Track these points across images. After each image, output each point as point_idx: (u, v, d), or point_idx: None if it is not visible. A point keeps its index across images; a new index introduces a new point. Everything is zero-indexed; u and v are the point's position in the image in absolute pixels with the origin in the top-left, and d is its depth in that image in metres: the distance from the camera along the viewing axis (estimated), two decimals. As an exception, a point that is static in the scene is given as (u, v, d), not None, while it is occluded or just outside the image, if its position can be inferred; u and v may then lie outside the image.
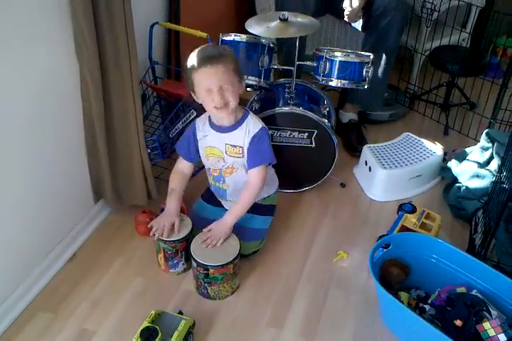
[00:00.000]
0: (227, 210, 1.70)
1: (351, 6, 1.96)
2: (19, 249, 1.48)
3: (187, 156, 1.68)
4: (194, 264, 1.50)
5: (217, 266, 1.47)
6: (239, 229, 1.62)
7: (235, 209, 1.60)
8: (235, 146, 1.58)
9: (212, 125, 1.60)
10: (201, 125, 1.63)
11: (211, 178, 1.71)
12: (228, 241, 1.54)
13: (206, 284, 1.51)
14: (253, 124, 1.57)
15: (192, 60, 1.47)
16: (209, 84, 1.45)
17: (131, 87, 1.56)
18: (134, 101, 1.59)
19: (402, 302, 1.38)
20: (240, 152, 1.58)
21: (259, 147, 1.56)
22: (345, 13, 1.98)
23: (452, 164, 1.97)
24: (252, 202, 1.61)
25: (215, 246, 1.51)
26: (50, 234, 1.61)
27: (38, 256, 1.58)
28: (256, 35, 1.75)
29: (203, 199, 1.77)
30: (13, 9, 1.23)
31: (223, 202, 1.74)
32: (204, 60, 1.44)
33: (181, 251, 1.57)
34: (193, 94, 1.54)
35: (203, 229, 1.57)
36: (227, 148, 1.58)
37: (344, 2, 1.98)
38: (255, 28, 1.73)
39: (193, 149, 1.65)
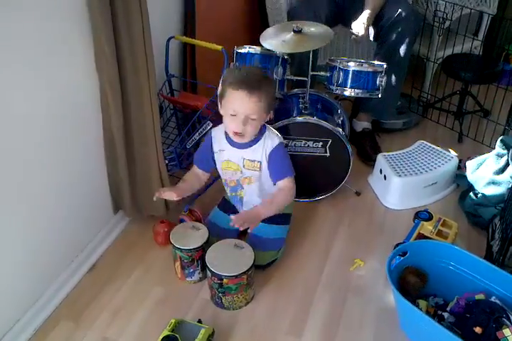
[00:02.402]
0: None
1: (357, 33, 1.97)
2: (41, 259, 1.51)
3: (201, 166, 1.69)
4: (209, 273, 1.52)
5: (231, 276, 1.47)
6: (255, 239, 1.63)
7: (269, 205, 1.55)
8: (253, 161, 1.59)
9: (229, 140, 1.60)
10: (218, 137, 1.63)
11: (228, 189, 1.73)
12: (243, 252, 1.55)
13: (220, 294, 1.52)
14: (271, 139, 1.58)
15: (235, 75, 1.46)
16: (237, 108, 1.45)
17: (149, 99, 1.59)
18: (152, 113, 1.62)
19: (420, 310, 1.38)
20: (258, 166, 1.59)
21: (280, 163, 1.58)
22: (353, 36, 1.99)
23: (467, 171, 1.97)
24: (285, 204, 1.60)
25: (243, 226, 1.44)
26: (71, 245, 1.64)
27: (60, 266, 1.61)
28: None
29: (219, 208, 1.79)
30: (36, 22, 1.27)
31: (240, 210, 1.74)
32: (245, 84, 1.42)
33: (197, 259, 1.59)
34: (218, 104, 1.55)
35: (232, 216, 1.48)
36: (245, 162, 1.60)
37: (353, 24, 1.99)
38: (270, 42, 1.74)
39: (210, 160, 1.67)
